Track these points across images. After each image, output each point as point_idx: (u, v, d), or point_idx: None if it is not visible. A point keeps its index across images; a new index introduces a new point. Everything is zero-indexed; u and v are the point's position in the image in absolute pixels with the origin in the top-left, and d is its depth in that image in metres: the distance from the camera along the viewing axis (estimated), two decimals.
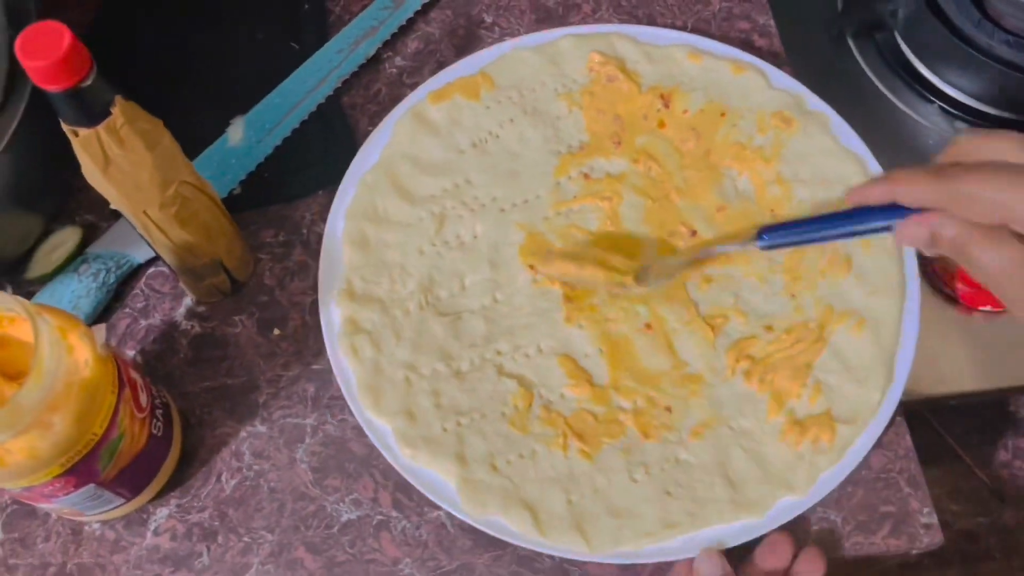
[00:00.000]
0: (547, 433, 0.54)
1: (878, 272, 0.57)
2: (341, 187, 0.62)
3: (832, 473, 0.53)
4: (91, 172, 0.47)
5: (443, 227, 0.60)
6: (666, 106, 0.63)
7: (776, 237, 0.49)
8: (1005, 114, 0.71)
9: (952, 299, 0.64)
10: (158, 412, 0.52)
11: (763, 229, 0.50)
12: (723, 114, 0.63)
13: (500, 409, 0.55)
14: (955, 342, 0.63)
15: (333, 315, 0.58)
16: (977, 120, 0.71)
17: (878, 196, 0.45)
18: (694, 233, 0.60)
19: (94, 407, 0.45)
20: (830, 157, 0.61)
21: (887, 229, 0.45)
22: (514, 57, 0.65)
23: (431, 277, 0.59)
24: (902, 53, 0.74)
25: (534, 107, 0.63)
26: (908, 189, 0.43)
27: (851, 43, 0.75)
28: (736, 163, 0.61)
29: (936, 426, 0.69)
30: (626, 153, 0.62)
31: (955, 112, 0.72)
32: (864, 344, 0.56)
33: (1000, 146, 0.42)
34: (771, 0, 0.72)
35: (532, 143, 0.62)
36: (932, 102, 0.73)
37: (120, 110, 0.45)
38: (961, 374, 0.63)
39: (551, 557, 0.54)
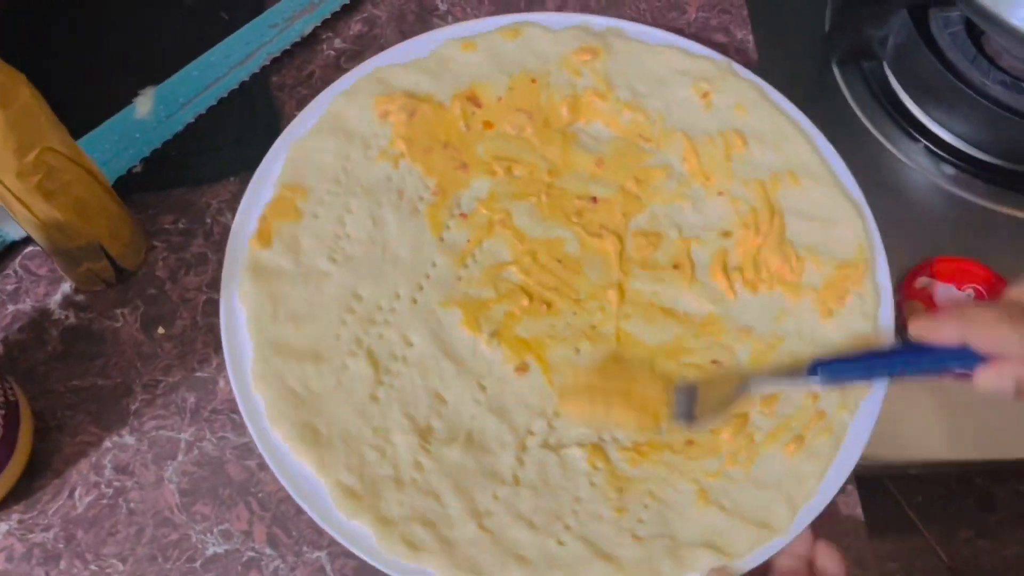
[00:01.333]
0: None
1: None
2: (251, 187, 0.54)
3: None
4: None
5: (376, 362, 0.50)
6: (477, 106, 0.57)
7: (833, 372, 0.47)
8: (996, 160, 0.65)
9: None
10: None
11: (817, 362, 0.47)
12: (532, 80, 0.58)
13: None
14: (921, 407, 0.57)
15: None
16: (965, 164, 0.66)
17: (948, 336, 0.42)
18: (594, 199, 0.56)
19: None
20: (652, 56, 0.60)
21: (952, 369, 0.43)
22: (308, 147, 0.55)
23: (411, 417, 0.49)
24: (889, 85, 0.68)
25: (360, 185, 0.54)
26: (986, 333, 0.40)
27: (835, 69, 0.69)
28: (576, 115, 0.58)
29: (895, 492, 0.63)
30: (479, 171, 0.56)
31: (941, 153, 0.66)
32: (816, 192, 0.56)
33: None
34: (753, 14, 0.66)
35: (387, 220, 0.54)
36: (918, 140, 0.67)
37: None
38: (925, 441, 0.57)
39: None
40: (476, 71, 0.58)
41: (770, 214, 0.55)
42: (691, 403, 0.47)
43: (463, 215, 0.55)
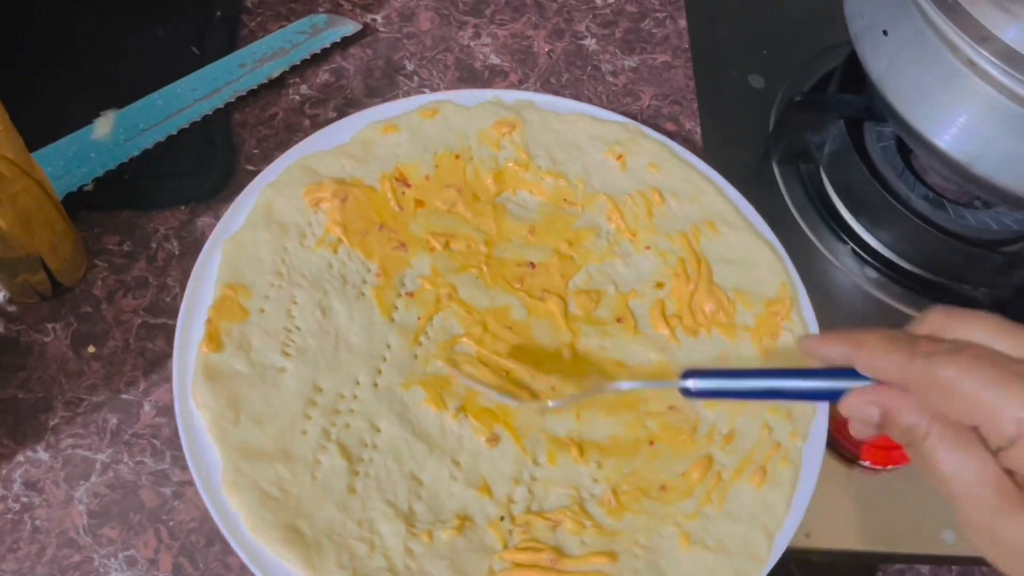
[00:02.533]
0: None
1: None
2: (189, 285, 0.53)
3: None
4: None
5: (348, 453, 0.49)
6: (407, 185, 0.59)
7: (703, 381, 0.44)
8: (916, 269, 0.69)
9: (832, 447, 0.60)
10: None
11: (688, 372, 0.44)
12: (456, 156, 0.60)
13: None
14: (829, 494, 0.59)
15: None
16: (887, 270, 0.69)
17: (836, 356, 0.39)
18: (532, 265, 0.57)
19: None
20: (570, 127, 0.63)
21: (831, 396, 0.40)
22: (243, 242, 0.54)
23: (392, 504, 0.48)
24: (823, 187, 0.72)
25: (302, 276, 0.54)
26: (873, 357, 0.38)
27: (775, 168, 0.73)
28: (502, 186, 0.60)
29: None
30: (417, 249, 0.57)
31: (867, 257, 0.70)
32: (734, 238, 0.59)
33: (976, 330, 0.36)
34: (703, 107, 0.70)
35: (335, 307, 0.54)
36: (846, 243, 0.71)
37: None
38: (832, 530, 0.59)
39: None
40: (401, 152, 0.59)
41: (696, 262, 0.59)
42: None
43: (409, 294, 0.55)
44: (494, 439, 0.51)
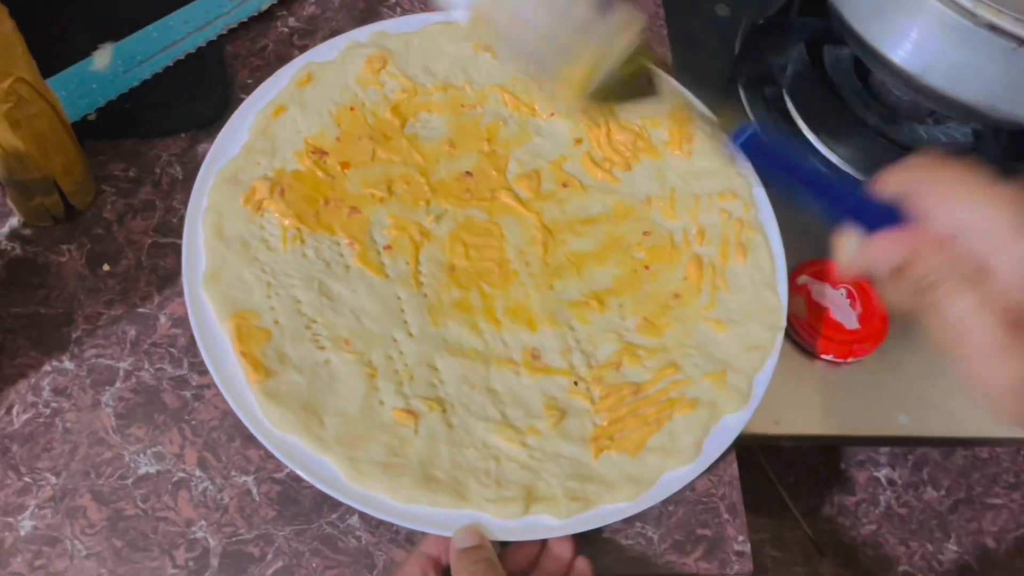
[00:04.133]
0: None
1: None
2: (198, 337, 0.52)
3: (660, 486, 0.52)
4: None
5: (431, 400, 0.53)
6: (324, 154, 0.60)
7: (757, 149, 0.45)
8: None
9: (796, 343, 0.65)
10: None
11: (750, 132, 0.45)
12: (351, 109, 0.62)
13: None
14: (795, 386, 0.64)
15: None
16: None
17: (897, 185, 0.42)
18: (469, 174, 0.61)
19: None
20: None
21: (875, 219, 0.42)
22: (218, 276, 0.54)
23: (493, 421, 0.53)
24: (787, 109, 0.77)
25: (287, 276, 0.55)
26: (939, 196, 0.40)
27: (741, 91, 0.77)
28: (403, 116, 0.62)
29: (771, 474, 0.70)
30: (367, 206, 0.59)
31: (828, 172, 0.74)
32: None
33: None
34: (672, 34, 0.74)
35: (334, 290, 0.55)
36: (808, 158, 0.75)
37: None
38: (798, 417, 0.64)
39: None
40: (301, 126, 0.60)
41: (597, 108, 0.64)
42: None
43: (387, 247, 0.58)
44: (531, 326, 0.56)
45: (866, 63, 0.70)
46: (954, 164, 0.42)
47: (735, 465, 0.56)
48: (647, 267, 0.59)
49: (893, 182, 0.43)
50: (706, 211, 0.62)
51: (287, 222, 0.56)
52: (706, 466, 0.53)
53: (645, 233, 0.61)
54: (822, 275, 0.68)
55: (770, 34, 0.74)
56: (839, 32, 0.70)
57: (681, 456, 0.53)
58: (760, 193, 0.63)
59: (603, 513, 0.50)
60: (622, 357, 0.56)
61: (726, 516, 0.55)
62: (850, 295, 0.68)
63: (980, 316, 0.39)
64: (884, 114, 0.72)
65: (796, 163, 0.46)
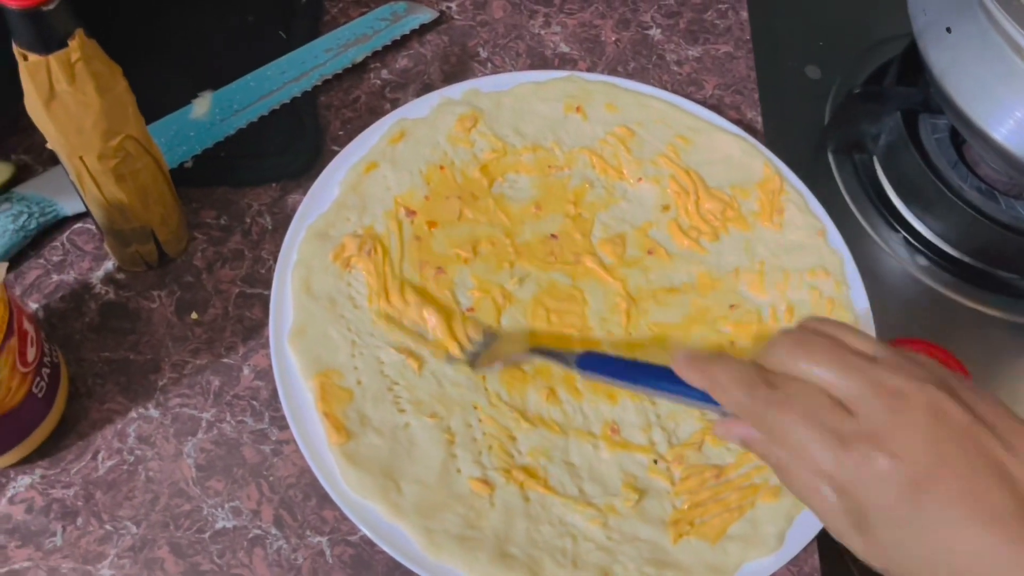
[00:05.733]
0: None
1: None
2: (280, 393, 0.53)
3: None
4: (33, 103, 0.44)
5: (508, 472, 0.52)
6: (413, 213, 0.60)
7: (592, 367, 0.50)
8: (965, 258, 0.72)
9: None
10: (44, 372, 0.48)
11: (583, 356, 0.50)
12: (441, 168, 0.62)
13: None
14: None
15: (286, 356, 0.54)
16: (938, 258, 0.72)
17: (696, 380, 0.42)
18: (554, 236, 0.61)
19: None
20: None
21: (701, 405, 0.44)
22: (304, 331, 0.54)
23: (571, 498, 0.52)
24: (876, 177, 0.75)
25: (371, 335, 0.55)
26: (722, 390, 0.41)
27: (830, 157, 0.76)
28: (491, 177, 0.63)
29: (846, 557, 0.67)
30: (452, 266, 0.59)
31: (918, 245, 0.72)
32: (704, 141, 0.63)
33: (817, 365, 0.39)
34: (763, 98, 0.72)
35: (415, 348, 0.55)
36: (897, 231, 0.73)
37: (78, 44, 0.42)
38: None
39: None
40: (391, 184, 0.60)
41: (686, 175, 0.64)
42: (485, 348, 0.55)
43: (470, 310, 0.57)
44: (611, 398, 0.55)
45: (965, 137, 0.68)
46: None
47: (816, 556, 0.55)
48: (732, 343, 0.58)
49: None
50: (796, 287, 0.60)
51: (374, 281, 0.57)
52: (789, 558, 0.51)
53: (732, 306, 0.59)
54: None
55: (866, 102, 0.73)
56: (938, 104, 0.68)
57: (763, 547, 0.51)
58: (852, 271, 0.61)
59: None
60: (704, 436, 0.55)
61: None
62: None
63: (830, 497, 0.38)
64: (982, 188, 0.70)
65: (628, 370, 0.49)
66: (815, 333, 0.41)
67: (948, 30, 0.63)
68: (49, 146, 0.47)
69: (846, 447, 0.37)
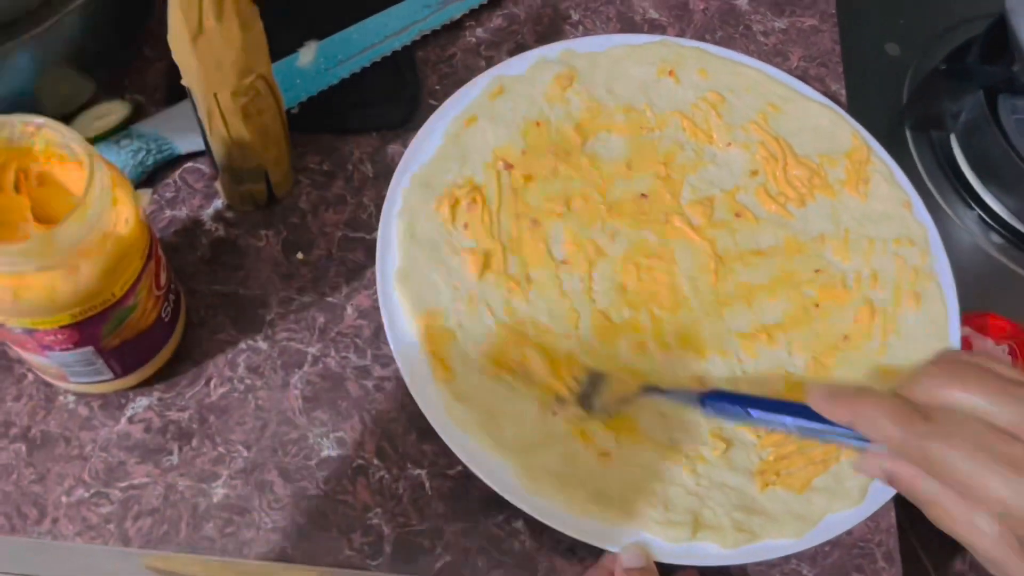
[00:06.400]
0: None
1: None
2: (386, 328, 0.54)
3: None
4: (179, 37, 0.46)
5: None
6: (510, 167, 0.61)
7: (719, 404, 0.49)
8: None
9: None
10: (171, 297, 0.51)
11: (708, 394, 0.50)
12: (537, 124, 0.63)
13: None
14: None
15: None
16: (1012, 236, 0.73)
17: (839, 416, 0.42)
18: (644, 196, 0.62)
19: (121, 267, 0.43)
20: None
21: (842, 442, 0.44)
22: (409, 275, 0.56)
23: (660, 445, 0.54)
24: (953, 155, 0.76)
25: (473, 283, 0.56)
26: (869, 426, 0.41)
27: (908, 134, 0.77)
28: (585, 135, 0.64)
29: (901, 520, 0.69)
30: (547, 219, 0.60)
31: (992, 224, 0.74)
32: (794, 109, 0.65)
33: (969, 395, 0.39)
34: (847, 73, 0.73)
35: (513, 300, 0.57)
36: (972, 209, 0.74)
37: None
38: None
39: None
40: (490, 138, 0.62)
41: (775, 142, 0.65)
42: (595, 390, 0.54)
43: (564, 263, 0.59)
44: (699, 352, 0.57)
45: None
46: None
47: (893, 512, 0.56)
48: (817, 305, 0.60)
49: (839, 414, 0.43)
50: (880, 255, 0.62)
51: (474, 231, 0.59)
52: (871, 511, 0.53)
53: (817, 271, 0.61)
54: (984, 329, 0.67)
55: (949, 79, 0.74)
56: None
57: (847, 499, 0.53)
58: (936, 242, 0.62)
59: (768, 547, 0.51)
60: (790, 393, 0.56)
61: (882, 564, 0.55)
62: (1011, 352, 0.67)
63: (988, 530, 0.37)
64: None
65: (757, 408, 0.48)
66: (962, 363, 0.41)
67: None
68: (184, 82, 0.50)
69: (1020, 472, 0.36)
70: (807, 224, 0.63)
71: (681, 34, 0.72)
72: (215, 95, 0.49)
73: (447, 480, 0.54)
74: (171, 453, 0.53)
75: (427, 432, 0.53)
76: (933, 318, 0.59)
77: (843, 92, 0.72)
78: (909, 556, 0.82)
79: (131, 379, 0.52)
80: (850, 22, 0.80)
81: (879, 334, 0.59)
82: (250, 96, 0.50)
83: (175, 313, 0.52)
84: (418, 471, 0.54)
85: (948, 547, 0.86)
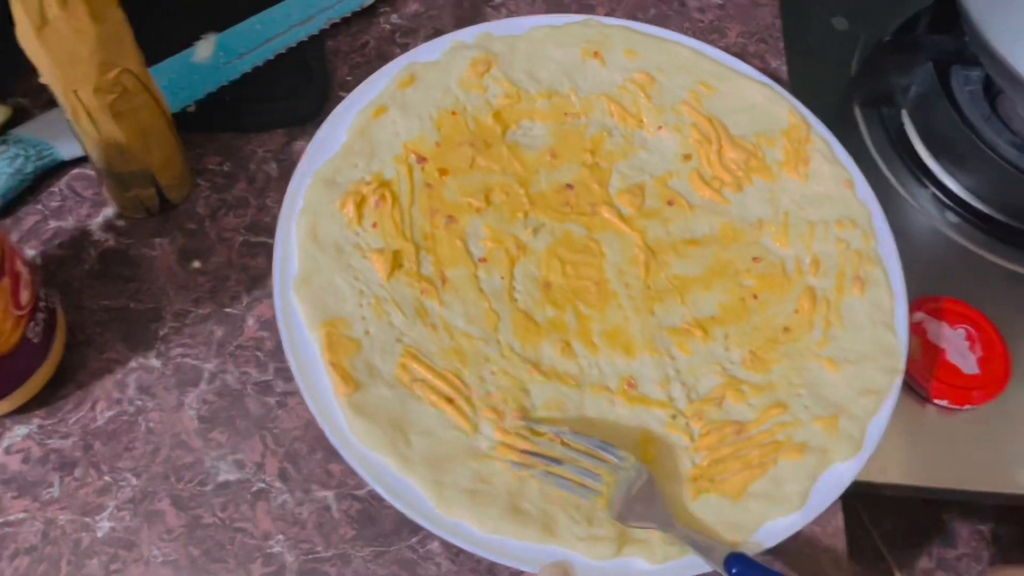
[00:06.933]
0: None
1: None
2: (284, 340, 0.49)
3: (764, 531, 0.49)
4: (24, 31, 0.42)
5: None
6: (423, 160, 0.57)
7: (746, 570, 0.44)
8: (996, 214, 0.69)
9: (908, 386, 0.61)
10: (39, 316, 0.47)
11: (733, 555, 0.44)
12: (452, 113, 0.59)
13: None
14: (905, 432, 0.60)
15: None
16: (968, 215, 0.69)
17: None
18: (569, 186, 0.58)
19: None
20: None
21: None
22: (311, 281, 0.51)
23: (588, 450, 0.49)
24: (904, 132, 0.72)
25: (380, 285, 0.52)
26: None
27: (857, 111, 0.73)
28: (505, 124, 0.60)
29: (866, 520, 0.65)
30: (464, 215, 0.56)
31: (947, 201, 0.70)
32: (728, 88, 0.61)
33: None
34: (788, 46, 0.70)
35: (426, 303, 0.53)
36: (926, 187, 0.71)
37: None
38: (907, 467, 0.60)
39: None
40: (400, 130, 0.58)
41: (708, 123, 0.61)
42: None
43: (483, 260, 0.55)
44: (628, 352, 0.53)
45: (1003, 87, 0.65)
46: None
47: (840, 516, 0.53)
48: (756, 296, 0.56)
49: None
50: (822, 239, 0.58)
51: (383, 230, 0.54)
52: (813, 517, 0.49)
53: (755, 259, 0.57)
54: (939, 313, 0.64)
55: (896, 52, 0.70)
56: (974, 53, 0.65)
57: (786, 504, 0.49)
58: (881, 223, 0.58)
59: (700, 560, 0.47)
60: (725, 392, 0.52)
61: (829, 571, 0.51)
62: (969, 337, 0.63)
63: None
64: (1016, 143, 0.67)
65: None
66: None
67: None
68: (43, 80, 0.45)
69: None
70: (744, 210, 0.59)
71: (611, 13, 0.68)
72: (75, 93, 0.45)
73: (356, 502, 0.50)
74: (51, 485, 0.48)
75: (334, 451, 0.49)
76: (878, 304, 0.56)
77: (784, 68, 0.68)
78: (874, 554, 0.79)
79: (5, 405, 0.48)
80: None
81: (821, 324, 0.55)
82: (117, 93, 0.46)
83: (47, 333, 0.48)
84: (324, 493, 0.50)
85: (913, 546, 0.83)
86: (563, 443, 0.49)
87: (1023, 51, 0.59)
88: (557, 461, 0.48)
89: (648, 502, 0.47)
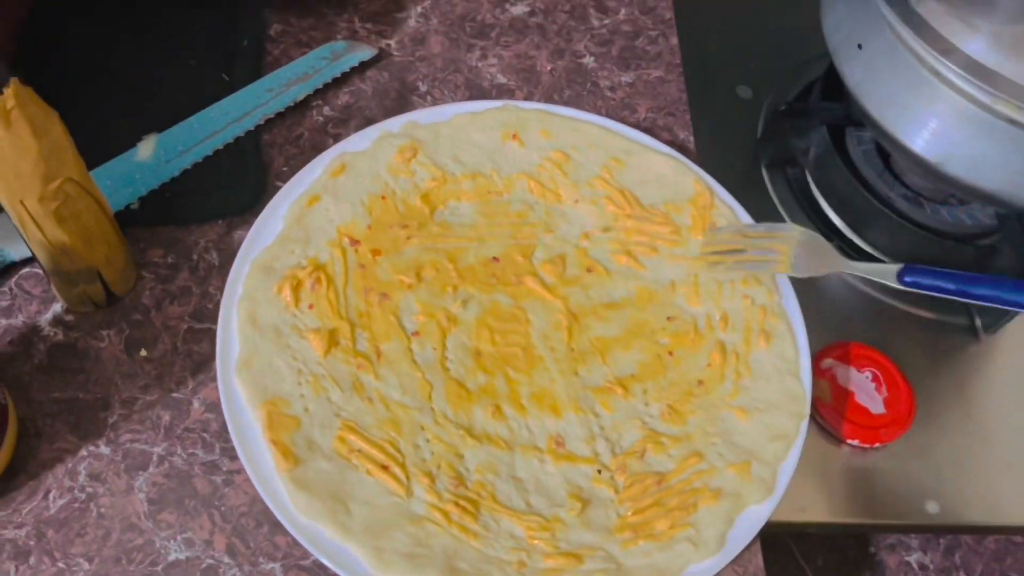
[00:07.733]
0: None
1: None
2: (228, 418, 0.53)
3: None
4: None
5: (460, 493, 0.53)
6: (356, 243, 0.61)
7: (921, 278, 0.53)
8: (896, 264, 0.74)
9: (822, 428, 0.65)
10: None
11: (907, 268, 0.54)
12: (383, 198, 0.64)
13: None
14: (821, 472, 0.64)
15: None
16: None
17: None
18: (496, 259, 0.62)
19: None
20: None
21: None
22: (251, 362, 0.55)
23: (518, 511, 0.53)
24: (809, 190, 0.78)
25: (318, 364, 0.56)
26: None
27: (764, 172, 0.79)
28: (433, 205, 0.64)
29: (799, 558, 0.69)
30: (396, 292, 0.60)
31: (852, 254, 0.75)
32: (636, 163, 0.66)
33: None
34: (695, 118, 0.75)
35: (362, 378, 0.56)
36: (832, 241, 0.75)
37: (12, 91, 0.44)
38: (824, 505, 0.64)
39: None
40: (333, 216, 0.62)
41: (621, 194, 0.66)
42: None
43: (416, 334, 0.59)
44: (556, 412, 0.57)
45: (885, 146, 0.71)
46: None
47: (759, 556, 0.56)
48: (671, 353, 0.60)
49: None
50: (729, 297, 0.62)
51: (319, 311, 0.58)
52: (730, 558, 0.53)
53: (669, 318, 0.61)
54: (847, 358, 0.68)
55: (792, 118, 0.76)
56: (858, 117, 0.71)
57: (705, 548, 0.53)
58: (783, 279, 0.63)
59: None
60: (646, 445, 0.56)
61: None
62: (875, 379, 0.68)
63: None
64: (908, 196, 0.73)
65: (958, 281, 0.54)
66: None
67: (859, 46, 0.66)
68: None
69: None
70: (658, 273, 0.63)
71: (529, 97, 0.74)
72: (21, 202, 0.48)
73: (302, 572, 0.52)
74: (6, 574, 0.50)
75: (279, 524, 0.52)
76: (783, 354, 0.60)
77: (691, 139, 0.73)
78: None
79: None
80: (700, 68, 0.82)
81: (732, 376, 0.59)
82: (60, 200, 0.49)
83: (0, 429, 0.50)
84: (272, 564, 0.52)
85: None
86: (743, 235, 0.62)
87: (897, 117, 0.64)
88: (740, 251, 0.61)
89: (821, 255, 0.60)
